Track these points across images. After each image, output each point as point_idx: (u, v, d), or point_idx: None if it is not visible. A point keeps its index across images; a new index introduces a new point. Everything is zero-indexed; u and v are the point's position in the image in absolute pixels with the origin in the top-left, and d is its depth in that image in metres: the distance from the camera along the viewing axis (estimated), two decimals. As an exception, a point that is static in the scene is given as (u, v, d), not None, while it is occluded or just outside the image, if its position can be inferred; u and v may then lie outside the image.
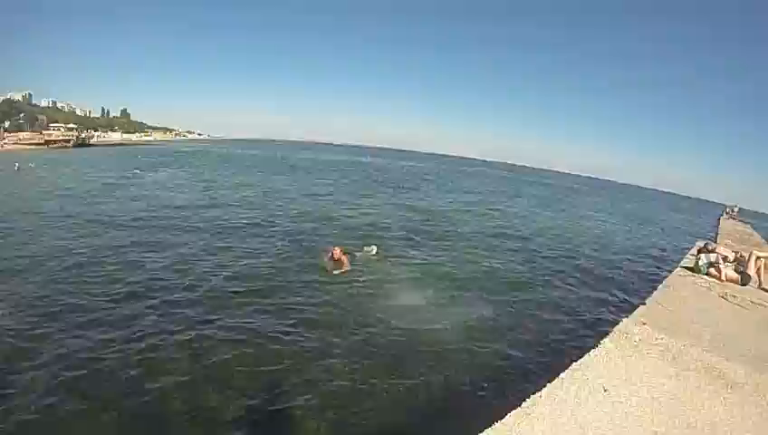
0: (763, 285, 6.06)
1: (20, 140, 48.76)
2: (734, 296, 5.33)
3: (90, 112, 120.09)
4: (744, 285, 6.02)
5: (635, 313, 4.24)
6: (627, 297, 8.86)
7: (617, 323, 3.87)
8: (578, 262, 11.81)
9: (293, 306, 6.46)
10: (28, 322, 5.42)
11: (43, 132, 52.22)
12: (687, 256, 8.07)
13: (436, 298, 7.34)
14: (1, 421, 3.65)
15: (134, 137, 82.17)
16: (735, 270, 6.34)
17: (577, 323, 7.13)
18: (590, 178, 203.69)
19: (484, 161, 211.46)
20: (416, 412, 4.20)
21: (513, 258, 11.22)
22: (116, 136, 76.46)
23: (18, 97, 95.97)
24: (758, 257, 6.30)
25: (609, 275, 10.82)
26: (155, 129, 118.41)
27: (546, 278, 9.62)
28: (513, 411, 2.31)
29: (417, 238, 12.18)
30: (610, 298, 8.84)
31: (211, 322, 5.72)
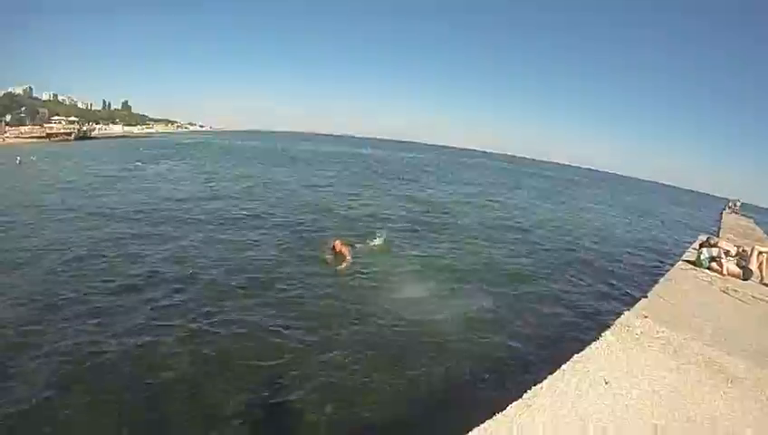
0: (765, 281, 6.04)
1: (21, 133, 48.69)
2: (736, 291, 5.32)
3: (91, 105, 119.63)
4: (745, 279, 6.00)
5: (636, 305, 4.23)
6: (628, 290, 8.87)
7: (618, 316, 3.86)
8: (578, 254, 11.83)
9: (294, 299, 6.48)
10: (29, 314, 5.46)
11: (45, 126, 51.94)
12: (689, 249, 8.04)
13: (436, 290, 7.35)
14: (2, 413, 3.67)
15: (136, 129, 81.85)
16: (737, 265, 6.31)
17: (577, 315, 7.15)
18: (590, 169, 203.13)
19: (485, 153, 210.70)
20: (417, 404, 4.23)
21: (513, 250, 11.22)
22: (117, 129, 76.14)
23: (19, 91, 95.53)
24: (760, 252, 6.27)
25: (610, 268, 10.82)
26: (157, 121, 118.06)
27: (547, 270, 9.63)
28: (515, 403, 2.31)
29: (418, 230, 12.18)
30: (611, 291, 8.85)
31: (212, 314, 5.74)
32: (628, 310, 4.08)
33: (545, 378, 2.60)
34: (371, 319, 5.94)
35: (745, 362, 3.21)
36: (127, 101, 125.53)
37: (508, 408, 2.26)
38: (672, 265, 7.12)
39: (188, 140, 59.45)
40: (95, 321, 5.37)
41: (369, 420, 3.90)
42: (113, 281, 6.71)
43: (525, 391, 2.43)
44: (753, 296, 5.19)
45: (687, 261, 6.87)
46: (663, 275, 6.32)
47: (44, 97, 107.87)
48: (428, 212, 15.59)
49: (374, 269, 8.02)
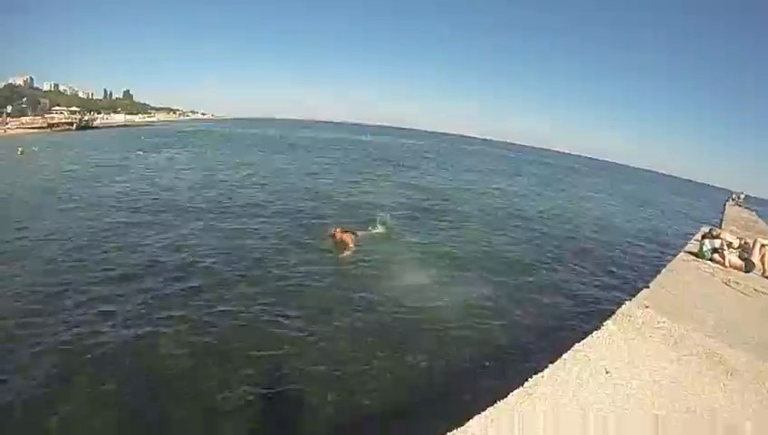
0: (767, 273, 6.02)
1: (23, 124, 48.25)
2: (738, 283, 5.30)
3: (92, 95, 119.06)
4: (747, 272, 5.98)
5: (638, 296, 4.22)
6: (628, 280, 8.87)
7: (619, 306, 3.86)
8: (579, 243, 11.83)
9: (294, 286, 6.49)
10: (30, 304, 5.46)
11: (46, 116, 51.31)
12: (692, 240, 8.02)
13: (437, 277, 7.36)
14: (2, 405, 3.68)
15: (137, 118, 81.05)
16: (740, 257, 6.28)
17: (578, 303, 7.16)
18: (589, 158, 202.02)
19: (484, 140, 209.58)
20: (418, 391, 4.25)
21: (513, 237, 11.22)
22: (119, 118, 75.37)
23: (20, 81, 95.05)
24: (763, 245, 6.22)
25: (610, 257, 10.82)
26: (158, 109, 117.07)
27: (547, 258, 9.63)
28: (516, 391, 2.31)
29: (418, 217, 12.18)
30: (611, 280, 8.85)
31: (212, 303, 5.75)
32: (630, 300, 4.07)
33: (546, 367, 2.61)
34: (372, 306, 5.95)
35: (746, 354, 3.21)
36: (128, 90, 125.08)
37: (509, 396, 2.26)
38: (673, 255, 7.11)
39: (189, 128, 59.08)
40: (95, 310, 5.37)
41: (370, 407, 3.92)
42: (114, 270, 6.70)
43: (526, 380, 2.44)
44: (755, 289, 5.16)
45: (689, 252, 6.85)
46: (663, 265, 6.31)
47: (45, 87, 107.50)
48: (428, 199, 15.56)
49: (374, 257, 8.01)
